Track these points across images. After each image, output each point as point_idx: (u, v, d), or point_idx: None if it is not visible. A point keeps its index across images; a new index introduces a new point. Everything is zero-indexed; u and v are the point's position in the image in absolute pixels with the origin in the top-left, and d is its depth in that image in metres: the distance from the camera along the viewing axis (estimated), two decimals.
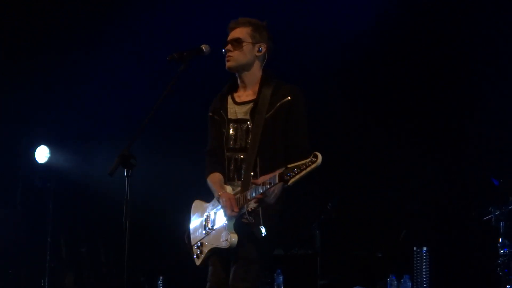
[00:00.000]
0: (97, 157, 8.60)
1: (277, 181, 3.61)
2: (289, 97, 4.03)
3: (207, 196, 4.24)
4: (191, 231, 4.29)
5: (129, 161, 3.66)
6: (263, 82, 4.10)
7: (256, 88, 4.11)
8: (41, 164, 9.13)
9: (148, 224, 8.37)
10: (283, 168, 3.60)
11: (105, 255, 9.37)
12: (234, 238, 3.90)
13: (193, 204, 4.35)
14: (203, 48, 3.97)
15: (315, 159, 3.48)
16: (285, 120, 4.03)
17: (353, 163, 8.61)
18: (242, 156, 4.03)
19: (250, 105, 4.05)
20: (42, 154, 9.11)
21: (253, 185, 3.84)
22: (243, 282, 3.91)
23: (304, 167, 3.49)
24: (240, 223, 3.94)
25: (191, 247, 4.26)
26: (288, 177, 3.53)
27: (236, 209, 3.88)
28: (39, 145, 9.12)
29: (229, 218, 3.92)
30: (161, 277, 8.70)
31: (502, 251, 6.85)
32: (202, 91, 7.35)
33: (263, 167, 3.92)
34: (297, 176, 3.51)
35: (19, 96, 8.95)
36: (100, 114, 8.97)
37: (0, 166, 8.97)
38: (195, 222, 4.27)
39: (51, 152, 9.12)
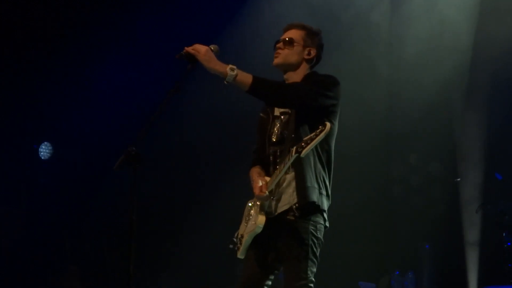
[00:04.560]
0: (102, 153, 8.60)
1: (293, 154, 3.73)
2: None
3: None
4: (239, 230, 4.32)
5: (135, 158, 3.67)
6: (304, 79, 4.18)
7: None
8: (45, 161, 9.14)
9: (153, 221, 8.38)
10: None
11: (110, 252, 9.38)
12: (261, 219, 3.95)
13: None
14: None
15: (323, 128, 3.67)
16: None
17: (356, 161, 8.64)
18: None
19: None
20: (46, 150, 9.12)
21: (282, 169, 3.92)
22: (298, 281, 3.93)
23: (315, 136, 3.68)
24: (286, 220, 3.97)
25: (235, 243, 4.29)
26: (301, 149, 3.69)
27: (264, 190, 3.93)
28: (42, 142, 9.13)
29: (259, 200, 3.97)
30: (164, 274, 8.73)
31: (506, 245, 6.89)
32: (211, 91, 7.39)
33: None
34: (309, 147, 3.68)
35: (23, 93, 8.95)
36: (106, 111, 8.97)
37: (4, 163, 8.98)
38: (243, 220, 4.31)
39: (54, 149, 9.13)
